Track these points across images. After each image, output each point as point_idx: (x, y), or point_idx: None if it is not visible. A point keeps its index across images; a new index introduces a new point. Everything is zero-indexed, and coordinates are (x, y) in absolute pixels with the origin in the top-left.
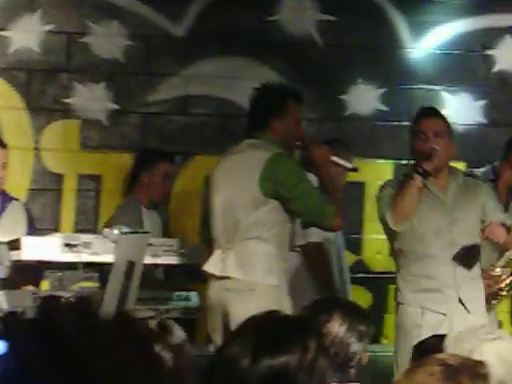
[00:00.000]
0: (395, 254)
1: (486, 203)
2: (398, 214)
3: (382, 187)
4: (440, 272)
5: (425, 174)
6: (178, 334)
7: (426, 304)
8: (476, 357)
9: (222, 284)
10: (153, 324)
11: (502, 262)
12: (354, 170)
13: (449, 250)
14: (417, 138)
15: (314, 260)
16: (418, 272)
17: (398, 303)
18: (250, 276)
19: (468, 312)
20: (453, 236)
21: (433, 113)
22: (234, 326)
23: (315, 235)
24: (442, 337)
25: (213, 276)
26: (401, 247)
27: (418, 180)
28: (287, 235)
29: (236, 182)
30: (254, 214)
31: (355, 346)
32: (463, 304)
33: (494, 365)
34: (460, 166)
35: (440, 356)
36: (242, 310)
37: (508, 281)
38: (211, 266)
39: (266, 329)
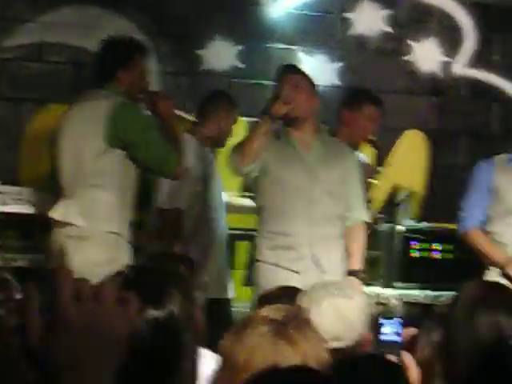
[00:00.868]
0: (257, 211)
1: (349, 172)
2: (242, 154)
3: None
4: (295, 230)
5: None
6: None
7: (279, 261)
8: (314, 308)
9: (64, 231)
10: None
11: None
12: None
13: (307, 208)
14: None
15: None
16: (274, 229)
17: (256, 260)
18: (89, 223)
19: (323, 272)
20: (313, 194)
21: (293, 69)
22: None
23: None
24: (287, 288)
25: (55, 222)
26: (260, 204)
27: (265, 120)
28: (132, 184)
29: (80, 131)
30: (96, 162)
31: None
32: (318, 263)
33: (331, 320)
34: None
35: (263, 312)
36: (80, 257)
37: None
38: (55, 212)
39: (143, 281)
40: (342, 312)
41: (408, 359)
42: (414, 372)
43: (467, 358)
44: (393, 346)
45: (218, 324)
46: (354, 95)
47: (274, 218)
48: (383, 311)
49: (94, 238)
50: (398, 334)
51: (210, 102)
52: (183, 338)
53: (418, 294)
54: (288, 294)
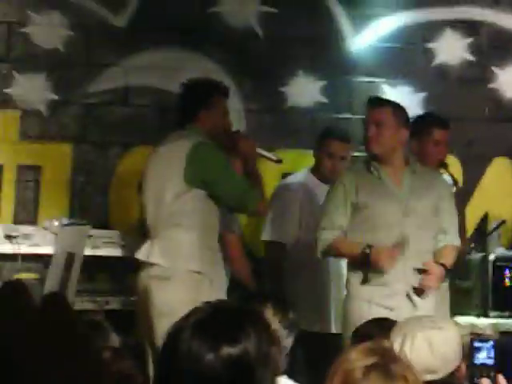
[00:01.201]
0: None
1: (442, 201)
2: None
3: (341, 177)
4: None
5: None
6: (113, 337)
7: (373, 298)
8: (408, 342)
9: (147, 271)
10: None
11: None
12: (279, 161)
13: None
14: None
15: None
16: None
17: (347, 295)
18: (171, 262)
19: (415, 307)
20: (405, 229)
21: (376, 102)
22: (154, 312)
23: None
24: (380, 322)
25: (141, 263)
26: (351, 239)
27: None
28: (213, 223)
29: (162, 172)
30: (178, 202)
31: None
32: (410, 299)
33: (425, 353)
34: None
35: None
36: (161, 296)
37: None
38: (140, 253)
39: (219, 319)
40: (435, 345)
41: (502, 382)
42: None
43: None
44: (487, 369)
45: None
46: (419, 122)
47: None
48: (477, 335)
49: (176, 277)
50: (491, 357)
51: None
52: (257, 375)
53: (510, 322)
54: (381, 328)
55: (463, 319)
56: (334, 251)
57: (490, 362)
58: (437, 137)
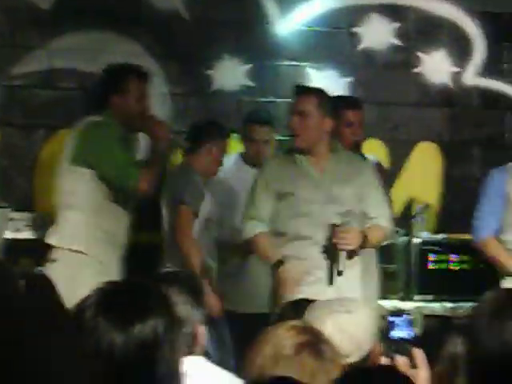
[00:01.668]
0: (273, 235)
1: (367, 187)
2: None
3: (265, 164)
4: (309, 254)
5: None
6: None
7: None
8: (318, 326)
9: (50, 253)
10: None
11: None
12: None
13: (321, 230)
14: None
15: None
16: (289, 253)
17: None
18: (57, 241)
19: (340, 291)
20: (327, 216)
21: (301, 91)
22: None
23: None
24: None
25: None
26: (275, 228)
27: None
28: (108, 205)
29: (61, 154)
30: (68, 182)
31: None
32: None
33: (335, 337)
34: None
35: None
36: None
37: None
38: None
39: (124, 297)
40: (346, 329)
41: (419, 356)
42: (423, 371)
43: (495, 366)
44: (403, 343)
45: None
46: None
47: (288, 242)
48: (392, 310)
49: (59, 255)
50: (407, 332)
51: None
52: (165, 354)
53: (436, 306)
54: (297, 310)
55: (388, 303)
56: (251, 247)
57: (406, 336)
58: (349, 118)
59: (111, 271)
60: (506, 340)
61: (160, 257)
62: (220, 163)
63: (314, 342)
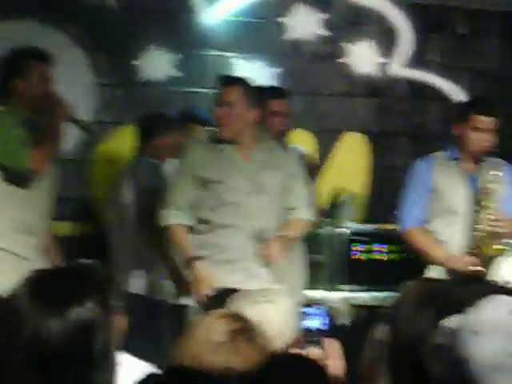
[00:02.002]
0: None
1: (291, 178)
2: None
3: (188, 150)
4: (233, 243)
5: None
6: None
7: (217, 274)
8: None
9: None
10: None
11: None
12: (86, 128)
13: (245, 220)
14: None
15: None
16: (213, 241)
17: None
18: None
19: (260, 281)
20: (251, 206)
21: (226, 81)
22: None
23: None
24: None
25: None
26: (199, 216)
27: None
28: (5, 189)
29: None
30: None
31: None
32: (254, 274)
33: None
34: None
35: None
36: None
37: None
38: None
39: (55, 282)
40: (268, 319)
41: (331, 347)
42: (336, 361)
43: (412, 354)
44: (317, 334)
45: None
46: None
47: (211, 231)
48: (307, 301)
49: None
50: (322, 323)
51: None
52: (102, 340)
53: (363, 296)
54: (221, 300)
55: (314, 293)
56: (167, 237)
57: (319, 326)
58: (275, 108)
59: (31, 262)
60: (424, 328)
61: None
62: (173, 152)
63: (247, 329)
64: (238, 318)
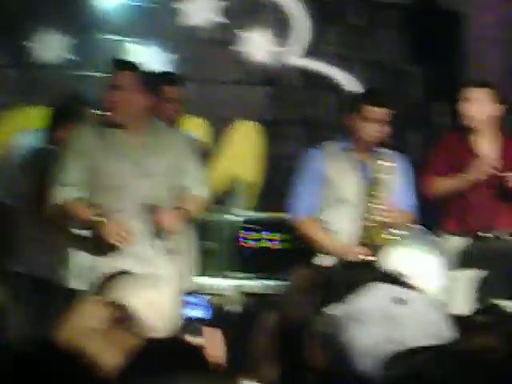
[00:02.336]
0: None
1: (182, 160)
2: None
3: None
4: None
5: None
6: None
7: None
8: (125, 300)
9: None
10: None
11: None
12: None
13: (132, 204)
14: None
15: None
16: None
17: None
18: None
19: (146, 264)
20: (139, 190)
21: (119, 66)
22: None
23: None
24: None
25: None
26: (88, 200)
27: None
28: None
29: None
30: None
31: None
32: (140, 257)
33: (142, 311)
34: None
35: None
36: None
37: None
38: None
39: None
40: (152, 305)
41: (211, 336)
42: (216, 350)
43: (296, 341)
44: (198, 323)
45: None
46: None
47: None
48: (188, 290)
49: None
50: (203, 311)
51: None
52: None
53: (254, 283)
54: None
55: (207, 280)
56: (62, 213)
57: (201, 315)
58: (168, 94)
59: None
60: (309, 315)
61: None
62: None
63: (124, 317)
64: (115, 305)
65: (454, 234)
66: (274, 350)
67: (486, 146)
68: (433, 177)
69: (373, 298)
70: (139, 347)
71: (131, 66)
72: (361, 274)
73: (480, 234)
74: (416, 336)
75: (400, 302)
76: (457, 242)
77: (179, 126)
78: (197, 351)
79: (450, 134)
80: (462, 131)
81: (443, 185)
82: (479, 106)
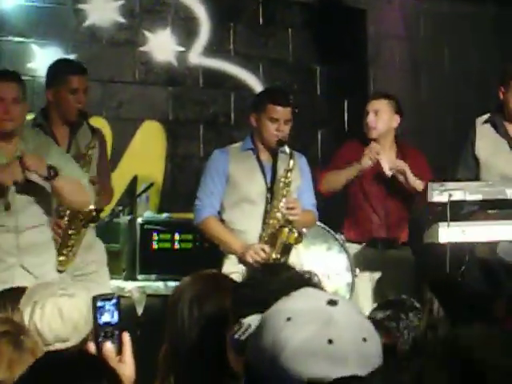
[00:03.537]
0: None
1: (58, 164)
2: None
3: None
4: (2, 240)
5: None
6: None
7: None
8: (37, 310)
9: None
10: None
11: None
12: None
13: (8, 218)
14: None
15: None
16: None
17: None
18: None
19: (34, 277)
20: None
21: (8, 78)
22: None
23: None
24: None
25: None
26: None
27: None
28: None
29: None
30: None
31: None
32: (27, 270)
33: (54, 321)
34: None
35: None
36: None
37: None
38: None
39: None
40: (65, 313)
41: (123, 340)
42: (126, 355)
43: (193, 347)
44: (111, 329)
45: None
46: (54, 69)
47: None
48: (100, 294)
49: None
50: (115, 316)
51: None
52: None
53: (159, 285)
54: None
55: (111, 282)
56: None
57: (114, 320)
58: (73, 84)
59: None
60: (201, 318)
61: None
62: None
63: (14, 333)
64: (6, 320)
65: (353, 242)
66: (178, 355)
67: (385, 154)
68: (326, 172)
69: (305, 299)
70: (34, 362)
71: (13, 77)
72: (279, 276)
73: (378, 241)
74: (351, 335)
75: (331, 303)
76: (356, 249)
77: (87, 121)
78: (99, 361)
79: (351, 141)
80: (363, 138)
81: (335, 178)
82: (379, 118)
